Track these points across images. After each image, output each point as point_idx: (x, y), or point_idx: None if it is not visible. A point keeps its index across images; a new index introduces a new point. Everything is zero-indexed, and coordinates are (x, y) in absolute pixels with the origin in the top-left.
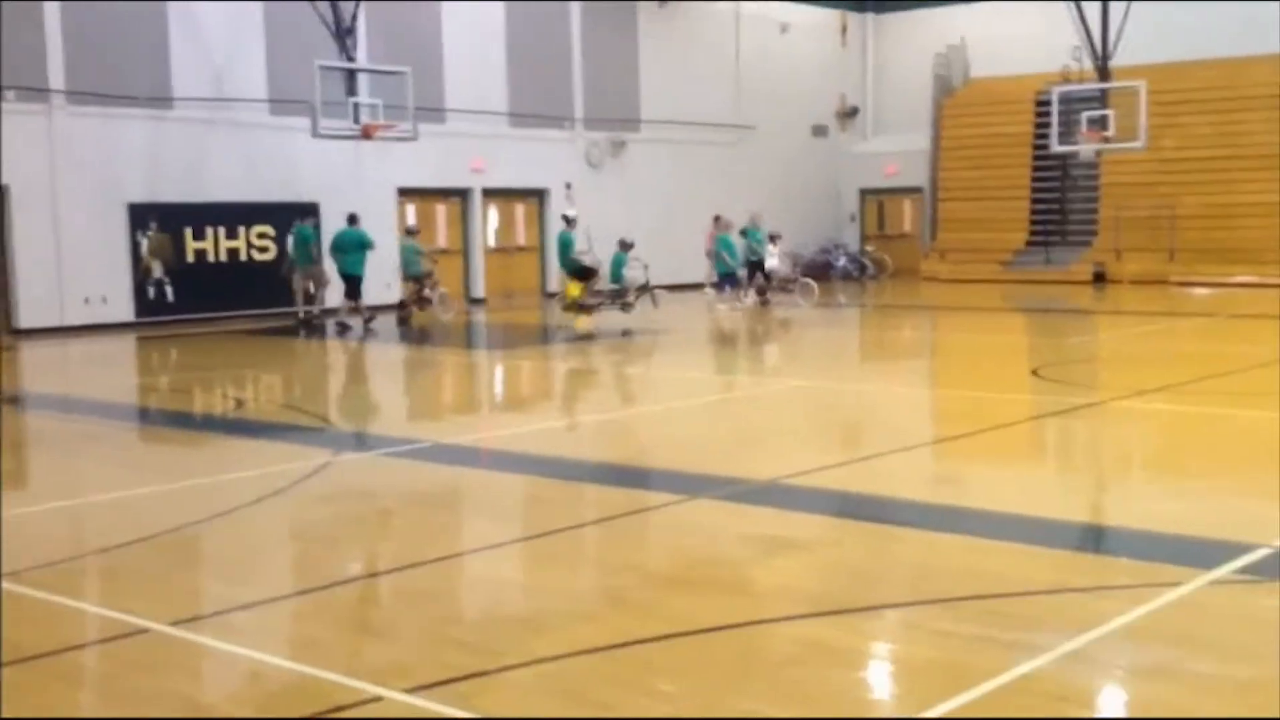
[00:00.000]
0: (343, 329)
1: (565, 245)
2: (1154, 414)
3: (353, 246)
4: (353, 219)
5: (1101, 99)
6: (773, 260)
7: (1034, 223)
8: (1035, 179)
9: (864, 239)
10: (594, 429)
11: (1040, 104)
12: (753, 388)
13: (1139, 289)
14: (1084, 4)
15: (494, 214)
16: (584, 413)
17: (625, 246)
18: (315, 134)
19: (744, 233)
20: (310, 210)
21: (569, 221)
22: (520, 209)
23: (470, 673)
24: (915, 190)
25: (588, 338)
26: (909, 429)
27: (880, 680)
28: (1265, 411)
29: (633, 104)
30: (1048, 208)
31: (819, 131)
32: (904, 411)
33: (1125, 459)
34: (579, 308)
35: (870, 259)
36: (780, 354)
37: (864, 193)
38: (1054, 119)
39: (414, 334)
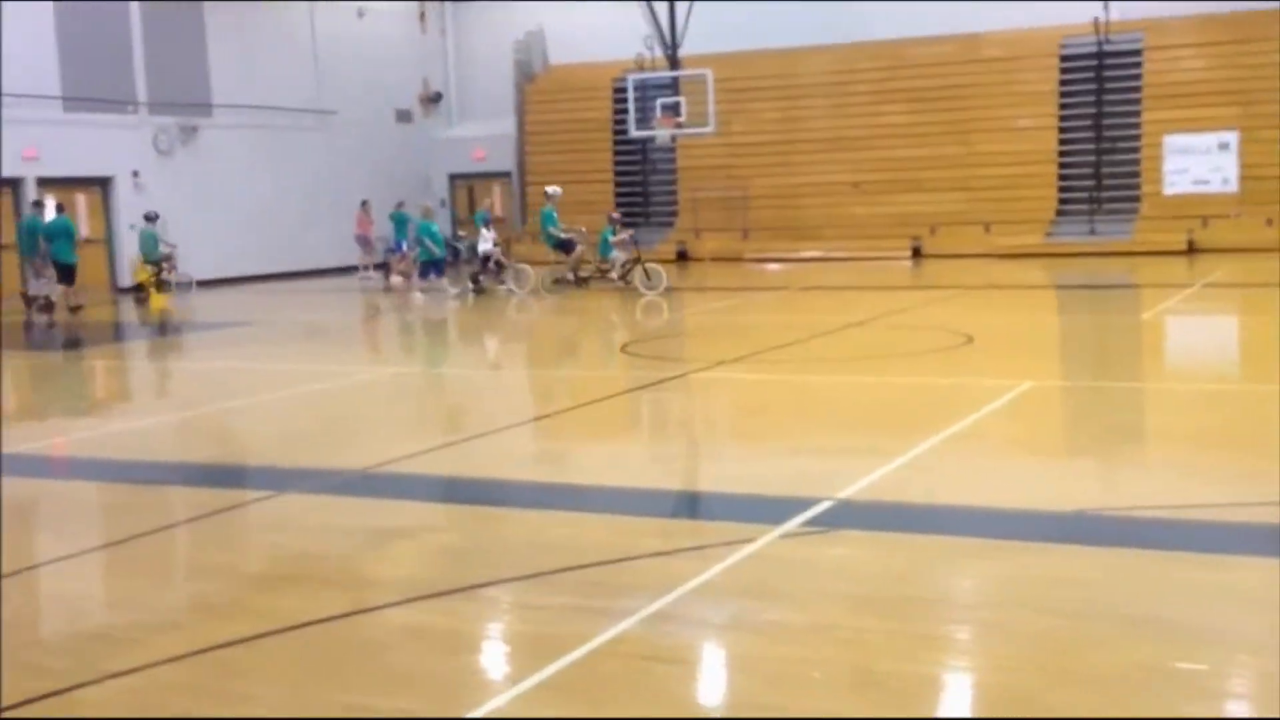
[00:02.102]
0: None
1: (546, 220)
2: (734, 383)
3: (60, 234)
4: (60, 208)
5: (674, 86)
6: (485, 244)
7: (619, 205)
8: (618, 163)
9: (456, 224)
10: (178, 427)
11: (618, 90)
12: (347, 377)
13: (718, 266)
14: None
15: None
16: (166, 411)
17: (613, 222)
18: None
19: (392, 217)
20: None
21: (549, 197)
22: (82, 199)
23: (42, 694)
24: (504, 175)
25: (166, 329)
26: (507, 410)
27: (476, 658)
28: (831, 376)
29: (203, 88)
30: (631, 190)
31: (403, 117)
32: (502, 393)
33: (707, 426)
34: (157, 287)
35: (464, 245)
36: (385, 341)
37: (453, 178)
38: (631, 105)
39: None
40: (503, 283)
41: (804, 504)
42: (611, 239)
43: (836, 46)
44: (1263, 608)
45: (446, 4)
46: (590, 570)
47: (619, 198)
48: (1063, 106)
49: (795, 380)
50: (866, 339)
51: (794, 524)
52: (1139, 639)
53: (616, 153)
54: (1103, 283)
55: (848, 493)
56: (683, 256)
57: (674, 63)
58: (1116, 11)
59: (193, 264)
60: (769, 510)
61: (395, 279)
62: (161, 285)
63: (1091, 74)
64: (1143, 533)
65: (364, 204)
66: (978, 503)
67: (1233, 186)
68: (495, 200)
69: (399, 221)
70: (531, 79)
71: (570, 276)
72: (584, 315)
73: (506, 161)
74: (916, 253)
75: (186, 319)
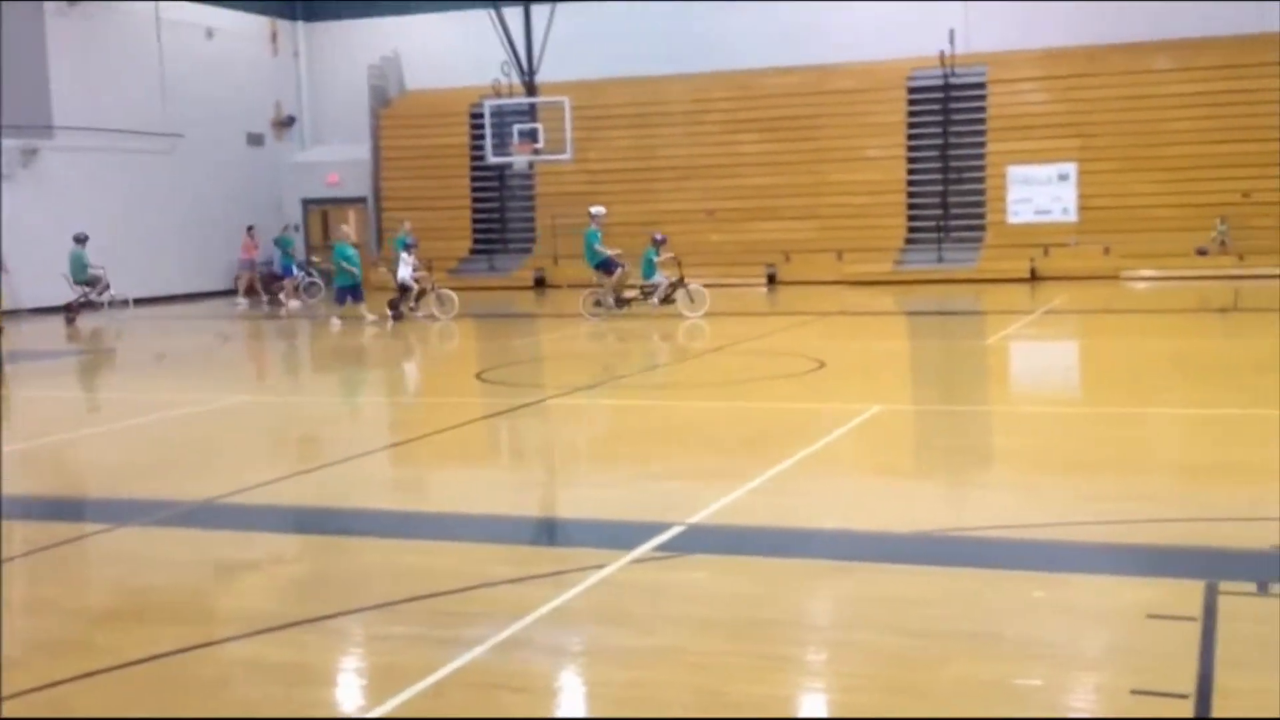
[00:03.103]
0: None
1: (590, 239)
2: (589, 409)
3: None
4: None
5: (531, 113)
6: (405, 270)
7: (476, 231)
8: (475, 189)
9: (309, 249)
10: (19, 459)
11: (475, 116)
12: (196, 405)
13: (577, 293)
14: (509, 20)
15: None
16: (6, 442)
17: (656, 242)
18: None
19: (277, 242)
20: None
21: (593, 217)
22: None
23: None
24: (359, 200)
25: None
26: (360, 438)
27: (319, 691)
28: (686, 401)
29: (44, 109)
30: (489, 217)
31: (255, 140)
32: (355, 421)
33: (562, 453)
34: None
35: (318, 270)
36: (236, 368)
37: (306, 203)
38: (488, 132)
39: None
40: (415, 309)
41: (656, 529)
42: (656, 260)
43: (692, 75)
44: (1096, 623)
45: (299, 25)
46: (440, 599)
47: (476, 224)
48: (911, 137)
49: (651, 406)
50: (722, 364)
51: (646, 549)
52: (979, 656)
53: (474, 179)
54: (949, 309)
55: (700, 517)
56: (540, 283)
57: (531, 89)
58: (962, 45)
59: (38, 290)
60: (622, 536)
61: (293, 304)
62: (91, 306)
63: (938, 106)
64: (983, 552)
65: (250, 229)
66: (827, 525)
67: (1072, 216)
68: (351, 226)
69: (284, 246)
70: (387, 103)
71: (611, 299)
72: (448, 342)
73: (362, 187)
74: (772, 280)
75: (27, 347)
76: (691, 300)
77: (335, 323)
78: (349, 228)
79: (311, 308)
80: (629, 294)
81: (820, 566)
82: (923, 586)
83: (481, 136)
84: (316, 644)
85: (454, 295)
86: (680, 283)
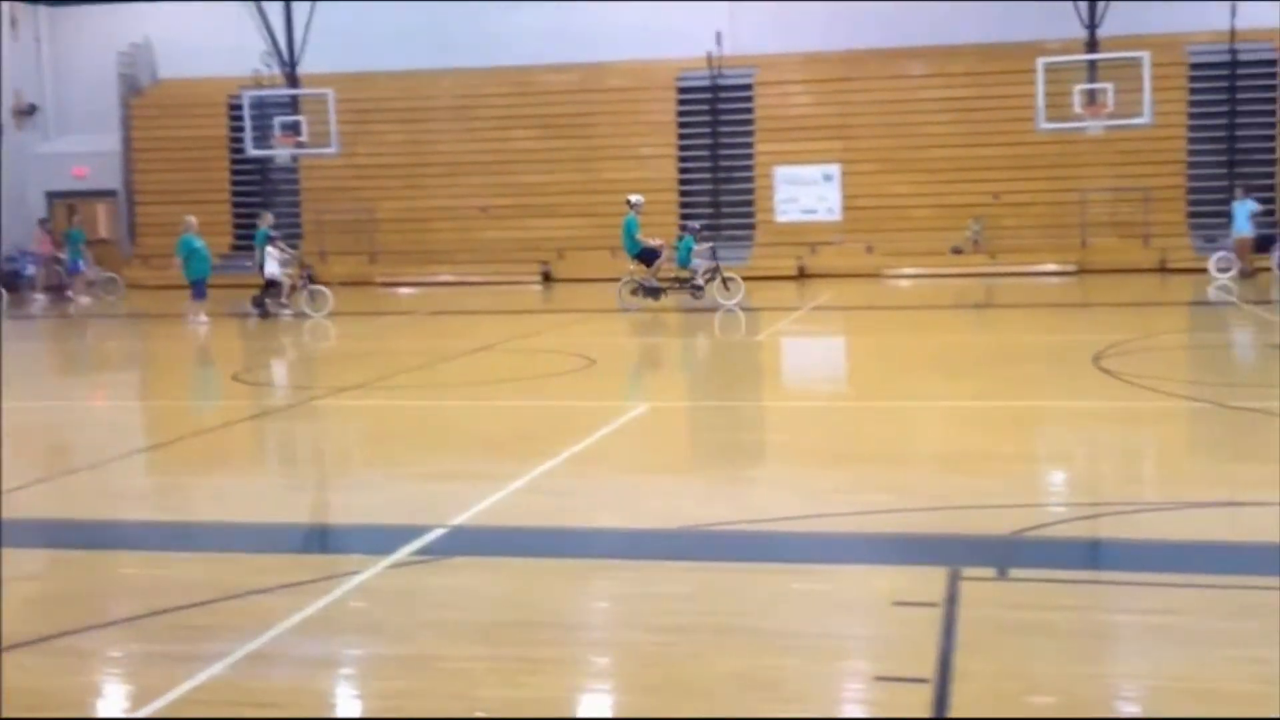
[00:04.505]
0: None
1: (629, 229)
2: (353, 410)
3: None
4: None
5: (293, 105)
6: (273, 264)
7: (238, 226)
8: (235, 182)
9: (55, 245)
10: None
11: (234, 107)
12: None
13: (346, 290)
14: (269, 8)
15: None
16: None
17: (692, 231)
18: None
19: (66, 236)
20: None
21: (632, 205)
22: None
23: None
24: (109, 193)
25: None
26: (100, 444)
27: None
28: (452, 401)
29: None
30: (250, 211)
31: None
32: (101, 426)
33: (320, 456)
34: None
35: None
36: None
37: (52, 196)
38: (248, 123)
39: None
40: (285, 306)
41: (415, 532)
42: (694, 249)
43: (464, 70)
44: (846, 612)
45: (40, 9)
46: (180, 613)
47: (237, 219)
48: (682, 137)
49: (416, 406)
50: (491, 363)
51: (403, 554)
52: (735, 649)
53: (234, 172)
54: (721, 306)
55: (461, 519)
56: (310, 280)
57: (293, 80)
58: (729, 48)
59: None
60: (378, 541)
61: (83, 300)
62: None
63: (707, 106)
64: (743, 546)
65: (41, 222)
66: (590, 523)
67: (837, 215)
68: (99, 220)
69: (74, 241)
70: (139, 92)
71: (650, 285)
72: (216, 340)
73: (112, 179)
74: (547, 277)
75: None
76: (726, 289)
77: (199, 320)
78: (194, 219)
79: (112, 305)
80: (662, 283)
81: (582, 566)
82: (682, 582)
83: (241, 128)
84: (44, 666)
85: (328, 291)
86: (716, 271)
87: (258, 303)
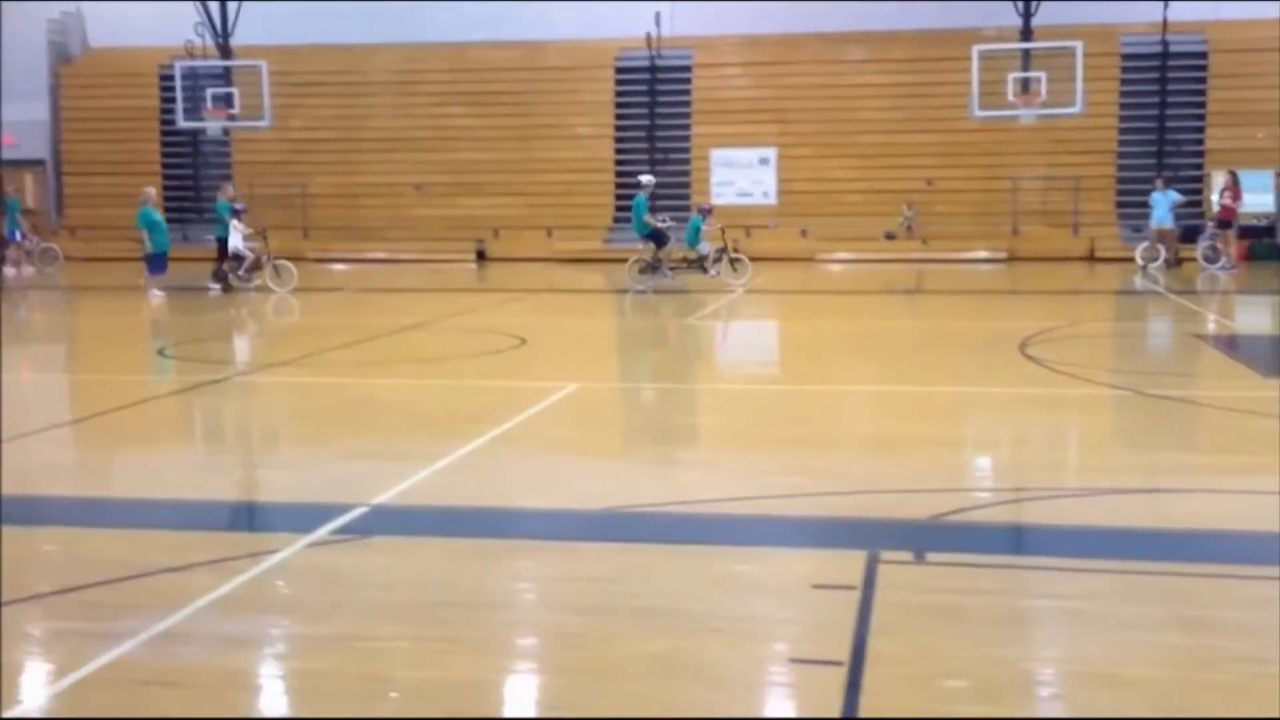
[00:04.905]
0: None
1: (638, 209)
2: (278, 386)
3: None
4: None
5: (226, 76)
6: (236, 237)
7: (168, 199)
8: (166, 154)
9: None
10: None
11: (165, 78)
12: None
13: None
14: None
15: None
16: None
17: (702, 212)
18: None
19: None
20: None
21: (643, 186)
22: None
23: None
24: (37, 163)
25: None
26: (15, 419)
27: None
28: (380, 379)
29: None
30: (181, 184)
31: None
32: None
33: (243, 433)
34: None
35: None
36: None
37: None
38: (179, 94)
39: None
40: (249, 280)
41: (336, 511)
42: (703, 229)
43: (400, 45)
44: (765, 594)
45: None
46: (91, 590)
47: (168, 191)
48: (619, 117)
49: (342, 383)
50: (421, 342)
51: (323, 532)
52: (655, 631)
53: (165, 143)
54: (656, 287)
55: (384, 498)
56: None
57: (225, 52)
58: (668, 28)
59: None
60: (298, 519)
61: (9, 270)
62: None
63: (645, 87)
64: (667, 528)
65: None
66: (515, 504)
67: (772, 199)
68: (26, 190)
69: (11, 210)
70: (69, 61)
71: (654, 264)
72: (163, 314)
73: (40, 149)
74: (481, 256)
75: None
76: (734, 269)
77: (156, 294)
78: (152, 190)
79: (51, 277)
80: (667, 262)
81: (504, 546)
82: (605, 564)
83: (173, 99)
84: None
85: (292, 266)
86: (724, 251)
87: (219, 276)
